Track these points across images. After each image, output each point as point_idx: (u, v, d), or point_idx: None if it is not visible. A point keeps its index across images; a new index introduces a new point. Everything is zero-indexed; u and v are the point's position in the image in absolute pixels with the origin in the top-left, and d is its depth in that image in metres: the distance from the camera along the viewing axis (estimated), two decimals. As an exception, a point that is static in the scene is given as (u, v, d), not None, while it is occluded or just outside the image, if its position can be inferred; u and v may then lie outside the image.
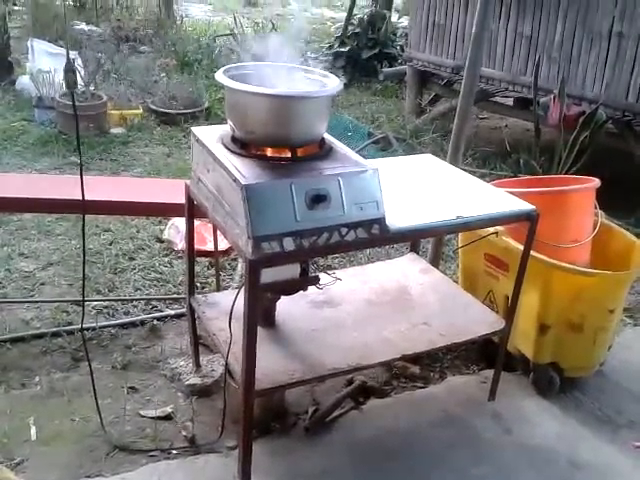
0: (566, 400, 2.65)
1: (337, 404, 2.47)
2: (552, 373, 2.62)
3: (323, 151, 2.05)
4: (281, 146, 1.99)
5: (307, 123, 1.99)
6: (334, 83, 2.04)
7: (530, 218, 2.22)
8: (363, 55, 7.76)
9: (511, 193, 2.36)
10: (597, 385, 2.74)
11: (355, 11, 8.64)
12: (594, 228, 2.73)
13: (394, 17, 9.33)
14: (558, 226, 2.60)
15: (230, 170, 1.87)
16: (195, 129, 2.21)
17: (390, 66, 7.74)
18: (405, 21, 9.45)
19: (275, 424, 2.37)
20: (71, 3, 8.99)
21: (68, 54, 1.92)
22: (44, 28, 7.36)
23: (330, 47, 8.22)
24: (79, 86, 5.36)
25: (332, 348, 2.23)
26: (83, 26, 8.08)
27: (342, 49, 7.93)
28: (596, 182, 2.73)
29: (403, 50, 7.67)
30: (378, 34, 7.98)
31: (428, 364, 2.77)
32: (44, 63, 5.71)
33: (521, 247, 2.33)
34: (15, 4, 8.70)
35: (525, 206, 2.24)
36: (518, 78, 5.12)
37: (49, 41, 6.49)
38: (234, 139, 2.05)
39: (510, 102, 5.75)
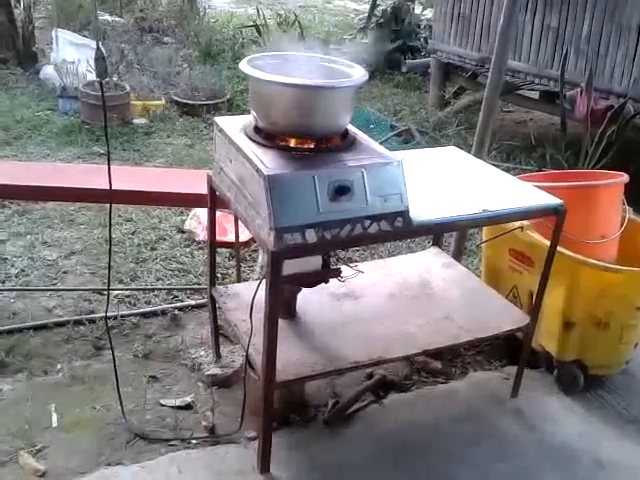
0: (590, 398, 2.61)
1: (357, 398, 2.46)
2: (576, 371, 2.58)
3: (347, 142, 2.03)
4: (304, 137, 1.97)
5: (331, 114, 1.96)
6: (359, 73, 2.01)
7: (558, 212, 2.18)
8: (386, 47, 7.69)
9: (538, 187, 2.32)
10: (622, 384, 2.69)
11: (378, 2, 8.57)
12: (622, 224, 2.67)
13: (418, 9, 9.23)
14: (585, 221, 2.55)
15: (253, 160, 1.85)
16: (218, 119, 2.19)
17: (413, 58, 7.66)
18: (429, 13, 9.35)
19: (295, 416, 2.36)
20: (95, -7, 9.02)
21: (98, 42, 1.91)
22: (69, 18, 7.39)
23: (353, 39, 8.16)
24: (103, 76, 5.38)
25: (353, 341, 2.21)
26: (107, 17, 8.09)
27: (365, 41, 7.86)
28: (625, 177, 2.67)
29: (427, 42, 7.59)
30: (402, 26, 7.90)
31: (450, 359, 2.74)
32: (68, 53, 5.74)
33: (547, 242, 2.29)
34: (40, -5, 8.76)
35: (553, 200, 2.20)
36: (544, 71, 5.03)
37: (74, 31, 6.53)
38: (257, 129, 2.03)
39: (536, 95, 5.66)
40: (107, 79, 5.32)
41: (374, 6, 8.37)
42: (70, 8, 7.69)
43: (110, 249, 2.29)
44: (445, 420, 2.43)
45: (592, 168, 3.94)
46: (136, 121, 5.36)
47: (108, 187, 2.08)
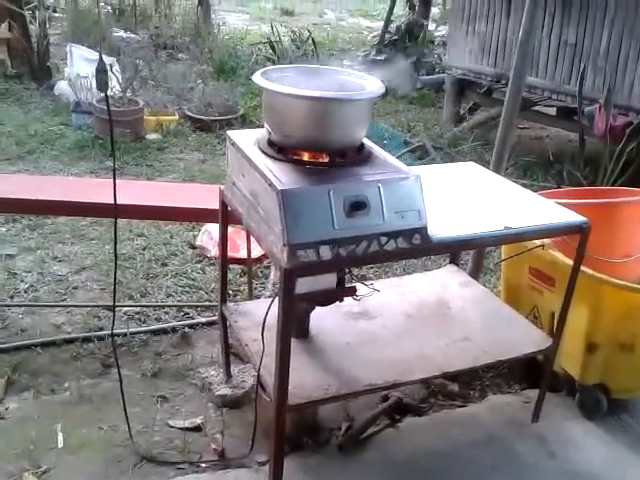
0: (614, 423, 2.51)
1: (372, 421, 2.37)
2: (599, 395, 2.48)
3: (362, 156, 1.97)
4: (319, 150, 1.90)
5: (347, 127, 1.90)
6: (376, 86, 1.96)
7: (581, 230, 2.10)
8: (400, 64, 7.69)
9: (559, 204, 2.24)
10: (647, 409, 2.59)
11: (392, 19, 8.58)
12: (646, 242, 2.59)
13: (431, 26, 9.24)
14: (608, 240, 2.47)
15: (266, 174, 1.80)
16: (231, 132, 2.15)
17: (427, 75, 7.64)
18: (442, 30, 9.36)
19: (307, 440, 2.29)
20: (110, 10, 9.10)
21: (101, 54, 1.87)
22: (83, 34, 7.46)
23: (366, 55, 8.16)
24: (116, 92, 5.39)
25: (368, 363, 2.13)
26: (122, 33, 8.16)
27: (379, 57, 7.86)
28: (650, 194, 2.60)
29: (440, 59, 7.58)
30: (415, 43, 7.90)
31: (467, 382, 2.65)
32: (82, 68, 5.76)
33: (569, 261, 2.21)
34: (55, 11, 8.84)
35: (577, 218, 2.12)
36: (562, 87, 4.97)
37: (88, 47, 6.56)
38: (270, 143, 1.98)
39: (552, 112, 5.59)
40: (120, 94, 5.33)
41: (388, 23, 8.37)
42: (85, 24, 7.76)
43: (115, 264, 2.24)
44: (463, 446, 2.34)
45: (612, 185, 3.86)
46: (149, 136, 5.35)
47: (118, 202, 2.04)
